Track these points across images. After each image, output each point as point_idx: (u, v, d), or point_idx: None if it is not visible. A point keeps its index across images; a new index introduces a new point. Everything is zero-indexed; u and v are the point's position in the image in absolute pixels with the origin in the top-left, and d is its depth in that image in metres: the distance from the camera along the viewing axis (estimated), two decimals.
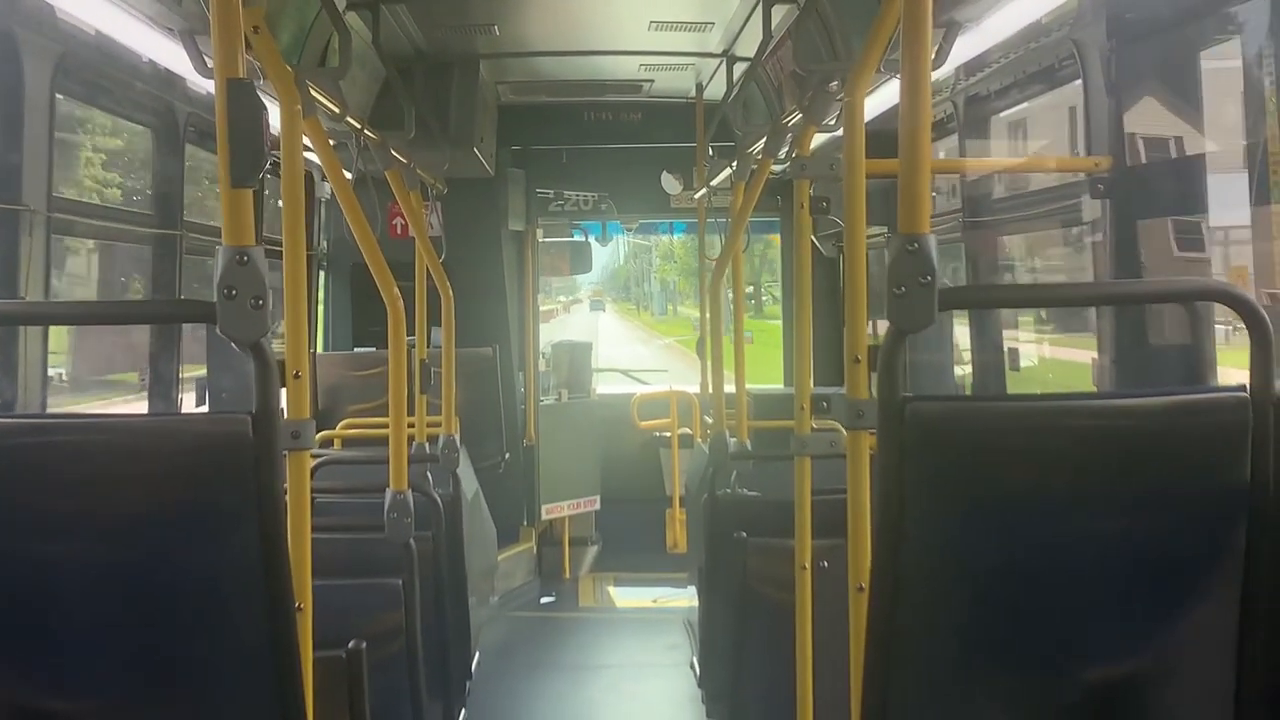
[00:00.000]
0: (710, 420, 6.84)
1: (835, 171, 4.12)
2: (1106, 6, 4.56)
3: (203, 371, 6.70)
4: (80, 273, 6.48)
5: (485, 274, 10.02)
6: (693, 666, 6.73)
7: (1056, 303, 5.42)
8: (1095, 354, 4.85)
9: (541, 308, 12.52)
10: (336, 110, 4.82)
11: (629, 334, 46.52)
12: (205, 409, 6.64)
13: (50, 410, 4.76)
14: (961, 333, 6.78)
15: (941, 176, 6.51)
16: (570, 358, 10.86)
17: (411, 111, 6.26)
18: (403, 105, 6.27)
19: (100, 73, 5.16)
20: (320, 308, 9.56)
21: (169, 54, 4.60)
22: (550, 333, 11.82)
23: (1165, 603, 2.42)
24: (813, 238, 7.66)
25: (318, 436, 6.97)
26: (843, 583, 3.29)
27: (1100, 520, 2.37)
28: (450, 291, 6.52)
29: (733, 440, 5.92)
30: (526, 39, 7.86)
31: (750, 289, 22.11)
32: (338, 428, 7.83)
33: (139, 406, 6.12)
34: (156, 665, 2.53)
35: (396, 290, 4.72)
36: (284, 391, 2.83)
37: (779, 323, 12.12)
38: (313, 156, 5.33)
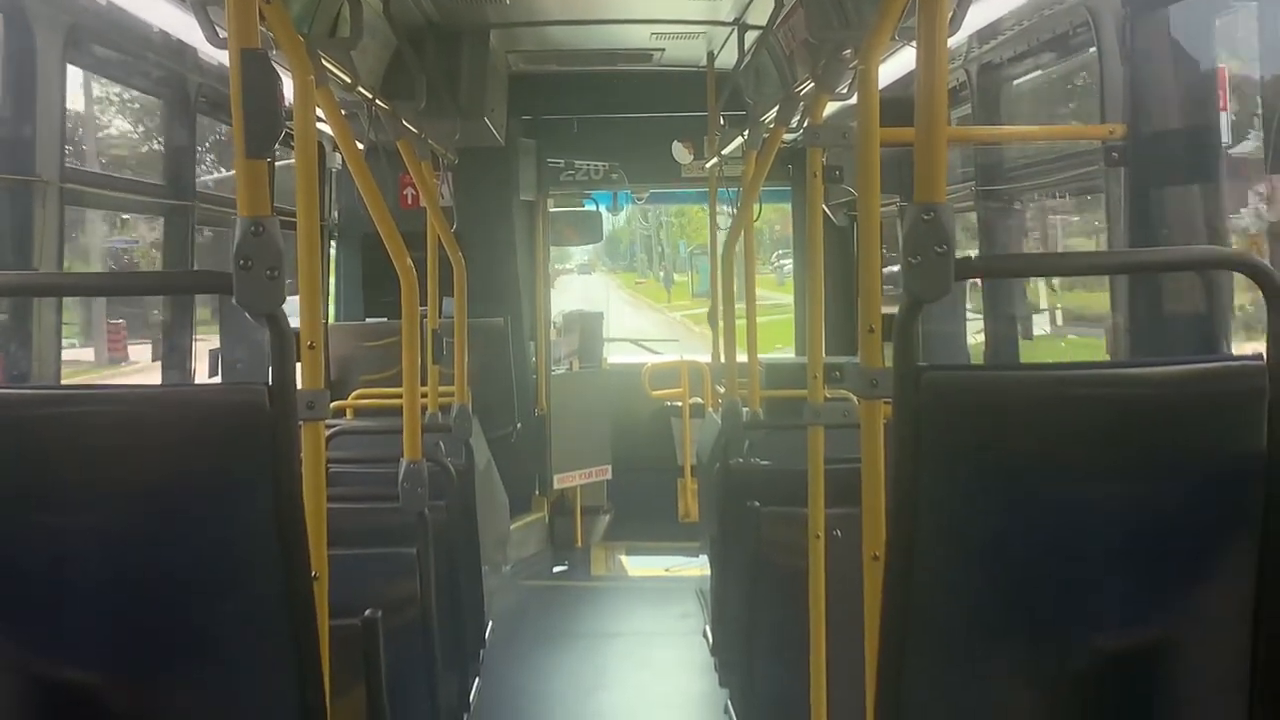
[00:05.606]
0: (722, 390, 6.83)
1: (848, 140, 4.09)
2: None
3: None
4: None
5: (496, 244, 10.01)
6: (705, 635, 6.75)
7: (1072, 272, 5.40)
8: (1111, 320, 4.83)
9: None
10: (348, 80, 4.80)
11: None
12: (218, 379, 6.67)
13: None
14: (975, 302, 6.76)
15: (955, 145, 6.46)
16: (582, 327, 10.86)
17: (422, 81, 6.23)
18: (413, 75, 6.25)
19: (111, 43, 5.15)
20: (331, 278, 9.56)
21: (180, 24, 4.59)
22: None
23: (1179, 571, 2.42)
24: (825, 207, 7.64)
25: (331, 406, 6.98)
26: (856, 551, 3.28)
27: (1115, 488, 2.37)
28: (462, 261, 6.52)
29: (745, 409, 5.91)
30: (537, 8, 7.82)
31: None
32: (350, 398, 7.84)
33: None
34: (172, 635, 2.54)
35: (409, 261, 4.71)
36: (299, 362, 2.83)
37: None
38: (323, 127, 5.33)
